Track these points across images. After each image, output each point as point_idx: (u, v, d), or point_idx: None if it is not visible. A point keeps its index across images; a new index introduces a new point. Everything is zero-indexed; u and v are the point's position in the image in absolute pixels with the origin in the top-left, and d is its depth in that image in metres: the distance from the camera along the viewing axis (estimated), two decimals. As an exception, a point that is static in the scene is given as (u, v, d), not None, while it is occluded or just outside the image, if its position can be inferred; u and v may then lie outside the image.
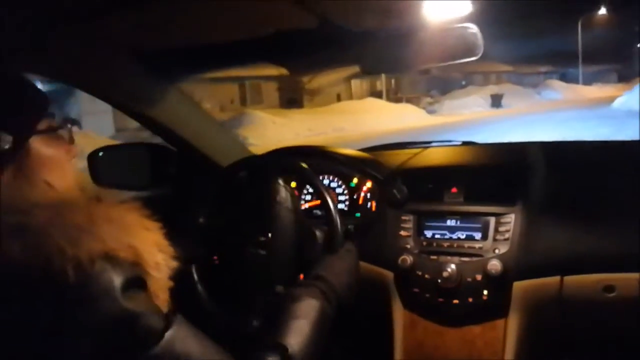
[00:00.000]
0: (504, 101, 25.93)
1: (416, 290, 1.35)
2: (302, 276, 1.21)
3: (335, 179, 1.61)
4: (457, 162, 1.57)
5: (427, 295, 1.33)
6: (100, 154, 1.43)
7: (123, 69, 1.36)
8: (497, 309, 1.28)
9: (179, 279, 0.82)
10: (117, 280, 0.67)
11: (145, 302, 0.71)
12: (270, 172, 1.30)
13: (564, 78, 35.68)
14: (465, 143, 1.78)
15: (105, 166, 1.42)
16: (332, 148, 1.62)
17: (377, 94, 27.03)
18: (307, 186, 1.60)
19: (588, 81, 35.31)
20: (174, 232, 0.85)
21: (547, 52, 35.23)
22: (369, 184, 1.55)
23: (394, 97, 28.62)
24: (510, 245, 1.27)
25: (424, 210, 1.41)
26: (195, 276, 1.28)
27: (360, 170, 1.56)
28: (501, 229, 1.30)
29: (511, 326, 1.27)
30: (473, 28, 1.42)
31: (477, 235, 1.33)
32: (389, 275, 1.40)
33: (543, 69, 38.40)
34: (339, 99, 27.36)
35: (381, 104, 22.79)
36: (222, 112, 21.02)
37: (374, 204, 1.54)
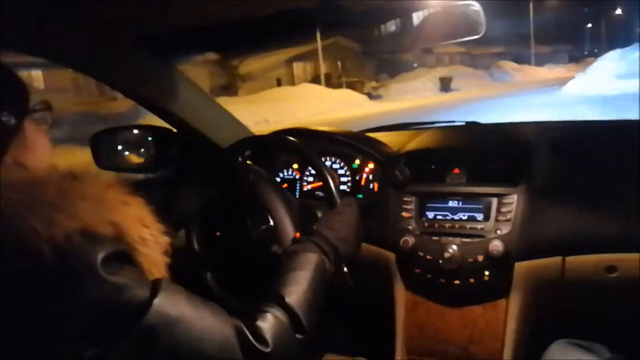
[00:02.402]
0: (454, 84, 24.44)
1: (418, 271, 1.31)
2: (298, 234, 1.18)
3: (338, 161, 1.56)
4: (459, 143, 1.52)
5: (429, 276, 1.30)
6: (102, 136, 1.36)
7: (123, 51, 1.29)
8: (498, 289, 1.25)
9: (185, 264, 0.78)
10: (98, 255, 0.65)
11: (129, 274, 0.68)
12: (272, 152, 1.25)
13: (517, 59, 35.81)
14: (468, 123, 1.73)
15: (107, 149, 1.36)
16: (335, 129, 1.57)
17: (325, 77, 24.11)
18: (309, 167, 1.56)
19: (540, 62, 35.81)
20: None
21: (500, 33, 35.48)
22: (371, 165, 1.51)
23: (336, 81, 25.52)
24: (512, 226, 1.24)
25: (426, 192, 1.36)
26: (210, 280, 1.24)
27: (363, 152, 1.51)
28: (503, 209, 1.26)
29: (512, 306, 1.24)
30: (475, 5, 1.37)
31: (479, 216, 1.29)
32: (391, 256, 1.36)
33: (496, 50, 38.36)
34: (279, 83, 24.77)
35: (318, 90, 20.06)
36: (116, 102, 16.94)
37: (376, 185, 1.49)
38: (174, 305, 0.70)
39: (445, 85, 24.30)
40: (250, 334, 0.76)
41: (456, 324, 1.30)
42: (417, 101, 18.97)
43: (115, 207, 0.72)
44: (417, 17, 1.39)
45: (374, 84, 26.35)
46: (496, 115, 11.02)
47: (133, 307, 0.66)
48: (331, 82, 24.54)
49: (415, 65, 31.05)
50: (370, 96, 22.16)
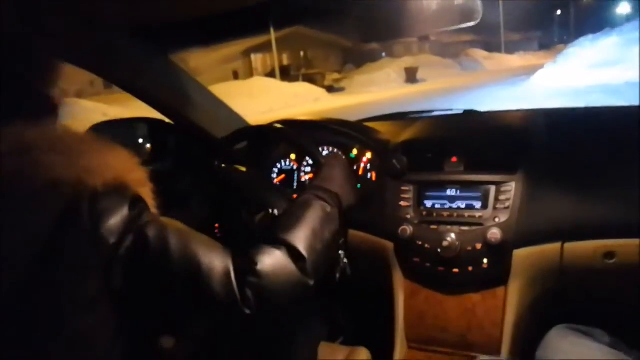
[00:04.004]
0: (420, 75, 22.65)
1: (416, 260, 1.29)
2: (295, 196, 1.17)
3: (335, 150, 1.52)
4: (457, 132, 1.49)
5: (428, 264, 1.28)
6: (99, 129, 1.32)
7: (118, 43, 1.26)
8: (497, 277, 1.24)
9: None
10: (125, 200, 0.71)
11: (146, 214, 0.74)
12: (269, 143, 1.23)
13: (487, 47, 35.33)
14: (466, 112, 1.70)
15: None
16: (331, 119, 1.54)
17: (284, 70, 22.69)
18: (307, 158, 1.52)
19: (510, 50, 35.73)
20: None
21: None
22: (368, 155, 1.47)
23: (296, 73, 23.66)
24: (510, 213, 1.22)
25: (424, 180, 1.34)
26: None
27: (360, 141, 1.48)
28: (501, 197, 1.24)
29: (511, 294, 1.23)
30: (473, -8, 1.34)
31: (477, 205, 1.27)
32: (390, 245, 1.34)
33: (466, 37, 37.96)
34: (236, 77, 23.58)
35: (270, 84, 18.12)
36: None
37: (374, 174, 1.46)
38: (172, 224, 0.76)
39: (410, 76, 22.63)
40: (241, 258, 0.79)
41: (455, 311, 1.29)
42: (379, 94, 17.39)
43: (129, 160, 0.77)
44: (413, 3, 1.35)
45: (336, 75, 24.57)
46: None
47: (136, 220, 0.71)
48: (290, 74, 22.95)
49: (383, 54, 29.50)
50: (331, 89, 20.46)
